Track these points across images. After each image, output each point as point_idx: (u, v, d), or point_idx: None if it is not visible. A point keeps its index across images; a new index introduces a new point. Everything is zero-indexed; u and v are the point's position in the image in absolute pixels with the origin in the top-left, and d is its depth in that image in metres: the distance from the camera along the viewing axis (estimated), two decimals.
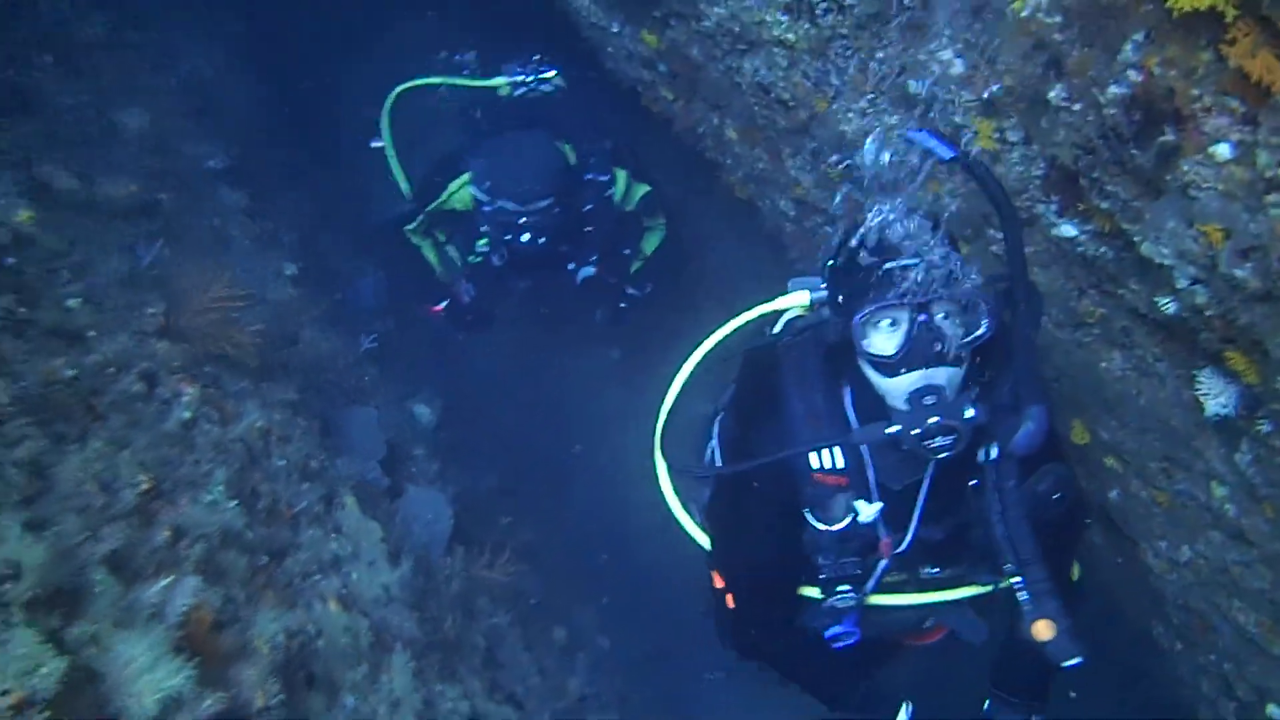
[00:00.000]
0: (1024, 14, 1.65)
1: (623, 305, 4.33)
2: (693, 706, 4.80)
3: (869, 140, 1.76)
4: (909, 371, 1.72)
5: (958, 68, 2.11)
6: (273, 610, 2.11)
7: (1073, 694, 2.34)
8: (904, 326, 1.71)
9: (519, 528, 4.38)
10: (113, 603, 1.54)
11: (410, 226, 4.18)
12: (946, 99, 2.21)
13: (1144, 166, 1.63)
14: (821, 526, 1.97)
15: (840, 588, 2.02)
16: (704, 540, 2.22)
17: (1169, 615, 2.78)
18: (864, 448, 1.91)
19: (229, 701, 1.65)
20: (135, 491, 1.83)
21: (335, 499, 2.90)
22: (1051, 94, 1.75)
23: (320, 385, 3.64)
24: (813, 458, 1.92)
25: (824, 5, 2.33)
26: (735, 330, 2.13)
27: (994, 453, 1.84)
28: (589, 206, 3.96)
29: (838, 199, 2.93)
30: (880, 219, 1.73)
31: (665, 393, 2.16)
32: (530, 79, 3.83)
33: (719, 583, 2.12)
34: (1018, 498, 1.81)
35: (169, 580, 1.66)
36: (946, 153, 1.68)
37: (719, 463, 2.32)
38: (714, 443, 2.40)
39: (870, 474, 1.93)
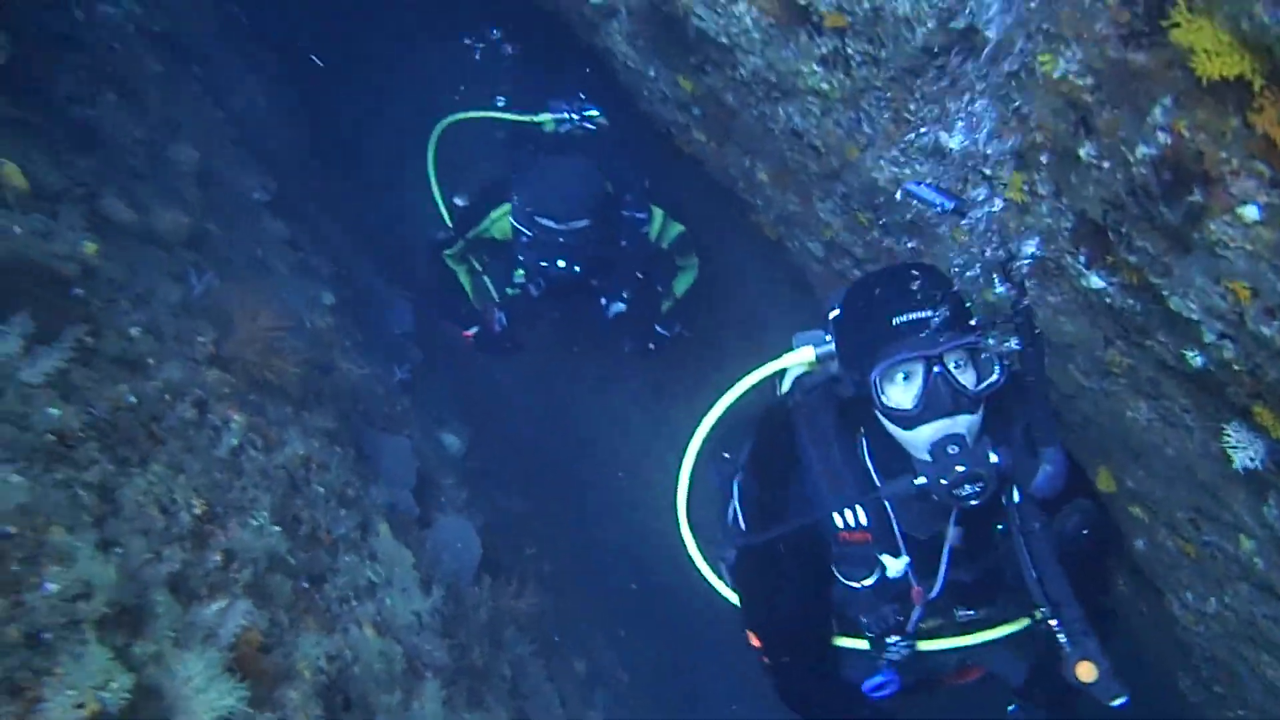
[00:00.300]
0: (1055, 75, 1.72)
1: (651, 346, 4.41)
2: None
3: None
4: (930, 422, 1.76)
5: (990, 121, 2.18)
6: (314, 634, 2.16)
7: None
8: (919, 379, 1.75)
9: (543, 558, 4.43)
10: (172, 623, 1.61)
11: (450, 251, 4.30)
12: (977, 150, 2.28)
13: (1172, 224, 1.68)
14: (852, 584, 2.00)
15: (890, 639, 2.04)
16: (733, 597, 2.26)
17: (1196, 667, 2.77)
18: (887, 501, 1.95)
19: None
20: (191, 515, 1.91)
21: (370, 526, 2.97)
22: (1081, 151, 1.81)
23: (355, 414, 3.73)
24: (836, 517, 1.95)
25: (859, 58, 2.42)
26: (746, 392, 2.17)
27: (1016, 496, 1.88)
28: (624, 242, 4.06)
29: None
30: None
31: (684, 448, 2.21)
32: (575, 116, 3.95)
33: (755, 642, 2.14)
34: (1044, 538, 1.84)
35: (224, 603, 1.73)
36: (946, 204, 1.75)
37: (741, 523, 2.33)
38: (735, 503, 2.41)
39: (895, 526, 1.97)
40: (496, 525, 4.02)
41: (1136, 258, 1.91)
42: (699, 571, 2.31)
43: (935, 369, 1.73)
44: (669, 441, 5.05)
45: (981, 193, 2.42)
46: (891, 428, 1.83)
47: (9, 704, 1.21)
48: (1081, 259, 2.15)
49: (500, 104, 4.34)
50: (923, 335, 1.71)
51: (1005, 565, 1.93)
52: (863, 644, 2.10)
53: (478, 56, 5.08)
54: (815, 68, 2.56)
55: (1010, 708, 2.16)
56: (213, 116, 4.03)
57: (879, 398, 1.78)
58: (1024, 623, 2.08)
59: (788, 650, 2.09)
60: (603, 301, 4.29)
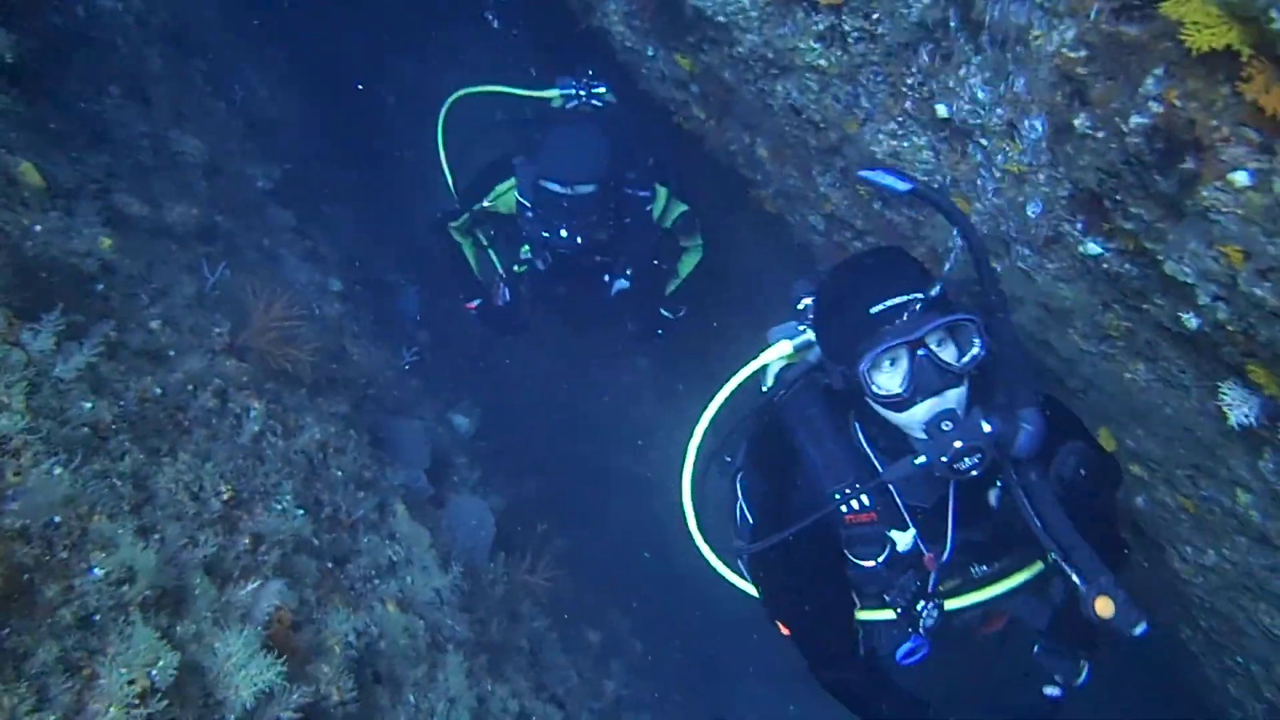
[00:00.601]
0: (1050, 49, 1.76)
1: (660, 332, 4.43)
2: (727, 707, 4.90)
3: None
4: (920, 402, 1.81)
5: (985, 94, 2.22)
6: (341, 612, 2.24)
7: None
8: (904, 362, 1.79)
9: (555, 534, 4.51)
10: (210, 603, 1.68)
11: (455, 224, 4.32)
12: (975, 122, 2.31)
13: (1166, 191, 1.72)
14: (865, 564, 2.05)
15: (920, 605, 2.09)
16: (749, 589, 2.29)
17: (1196, 619, 2.85)
18: (883, 471, 1.99)
19: (314, 696, 1.78)
20: (220, 500, 1.97)
21: (388, 507, 3.05)
22: (1077, 122, 1.85)
23: (367, 398, 3.79)
24: (842, 505, 1.98)
25: (856, 34, 2.44)
26: (733, 392, 2.17)
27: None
28: (627, 220, 4.08)
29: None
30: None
31: (685, 446, 2.22)
32: (583, 93, 3.95)
33: (786, 631, 2.17)
34: (1043, 487, 1.88)
35: (257, 584, 1.80)
36: (903, 186, 1.78)
37: (750, 519, 2.36)
38: (741, 502, 2.45)
39: (899, 502, 2.02)
40: (509, 503, 4.10)
41: (1132, 224, 1.95)
42: (716, 570, 2.34)
43: (919, 352, 1.77)
44: (676, 416, 5.11)
45: (980, 164, 2.46)
46: (885, 412, 1.87)
47: (68, 681, 1.28)
48: (1079, 227, 2.19)
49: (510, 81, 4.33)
50: (902, 320, 1.75)
51: (1011, 518, 1.98)
52: (886, 614, 2.14)
53: (495, 24, 5.07)
54: (813, 44, 2.59)
55: (1035, 647, 2.22)
56: (217, 108, 4.06)
57: (869, 387, 1.82)
58: (1038, 566, 2.14)
59: (819, 641, 2.13)
60: (606, 279, 4.31)
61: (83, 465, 1.58)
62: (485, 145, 4.46)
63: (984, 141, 2.32)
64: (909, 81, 2.45)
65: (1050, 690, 2.21)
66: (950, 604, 2.16)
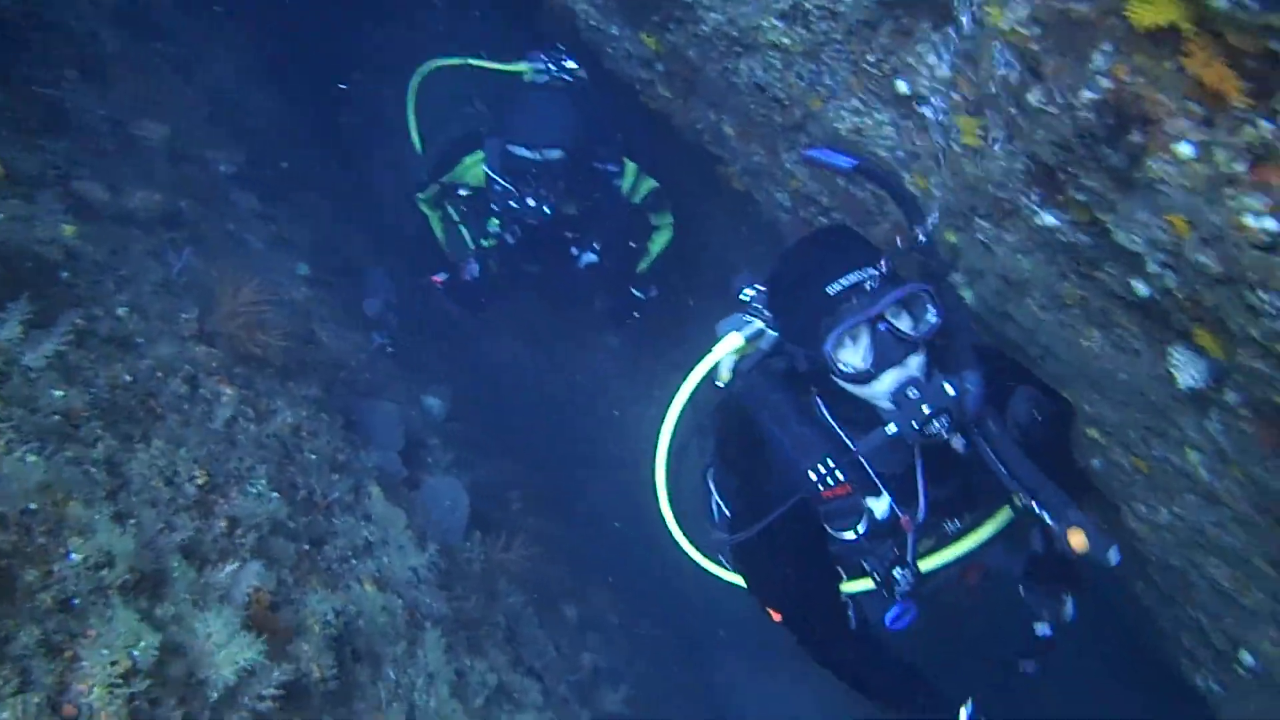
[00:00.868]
0: (1004, 26, 1.80)
1: (635, 315, 4.44)
2: (703, 675, 5.00)
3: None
4: (884, 373, 1.87)
5: (944, 70, 2.26)
6: (319, 592, 2.27)
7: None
8: (865, 337, 1.84)
9: (530, 512, 4.56)
10: (189, 585, 1.70)
11: (423, 196, 4.29)
12: (934, 98, 2.36)
13: (1115, 164, 1.78)
14: (845, 535, 2.09)
15: (896, 572, 2.14)
16: (734, 578, 2.32)
17: (1150, 574, 2.96)
18: (852, 442, 2.04)
19: (295, 674, 1.81)
20: (195, 485, 1.98)
21: (362, 488, 3.06)
22: (1030, 97, 1.90)
23: (339, 381, 3.79)
24: (814, 480, 2.01)
25: (818, 11, 2.48)
26: (694, 392, 2.19)
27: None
28: (596, 195, 4.09)
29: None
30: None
31: (659, 424, 2.23)
32: (553, 66, 3.93)
33: (777, 617, 2.19)
34: (1003, 434, 1.94)
35: (235, 565, 1.82)
36: (848, 163, 1.83)
37: (726, 512, 2.38)
38: (715, 498, 2.46)
39: (870, 470, 2.07)
40: (483, 483, 4.13)
41: (1085, 196, 2.01)
42: (702, 567, 2.36)
43: (880, 326, 1.81)
44: (648, 393, 5.16)
45: (939, 140, 2.51)
46: (850, 387, 1.91)
47: (51, 663, 1.30)
48: (1035, 199, 2.25)
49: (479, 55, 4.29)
50: (859, 298, 1.79)
51: (978, 470, 2.03)
52: (869, 584, 2.19)
53: (438, 4, 5.03)
54: (775, 22, 2.61)
55: (1020, 589, 2.29)
56: (178, 91, 3.99)
57: (835, 365, 1.85)
58: (1007, 512, 2.21)
59: (810, 622, 2.17)
60: (574, 252, 4.30)
61: (56, 452, 1.58)
62: (455, 119, 4.43)
63: (943, 118, 2.37)
64: (870, 59, 2.49)
65: (1040, 628, 2.30)
66: (930, 562, 2.22)
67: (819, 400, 2.06)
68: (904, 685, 2.19)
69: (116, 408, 1.91)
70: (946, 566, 2.25)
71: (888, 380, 1.87)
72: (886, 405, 1.90)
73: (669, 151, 4.31)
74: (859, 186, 3.09)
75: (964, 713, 2.08)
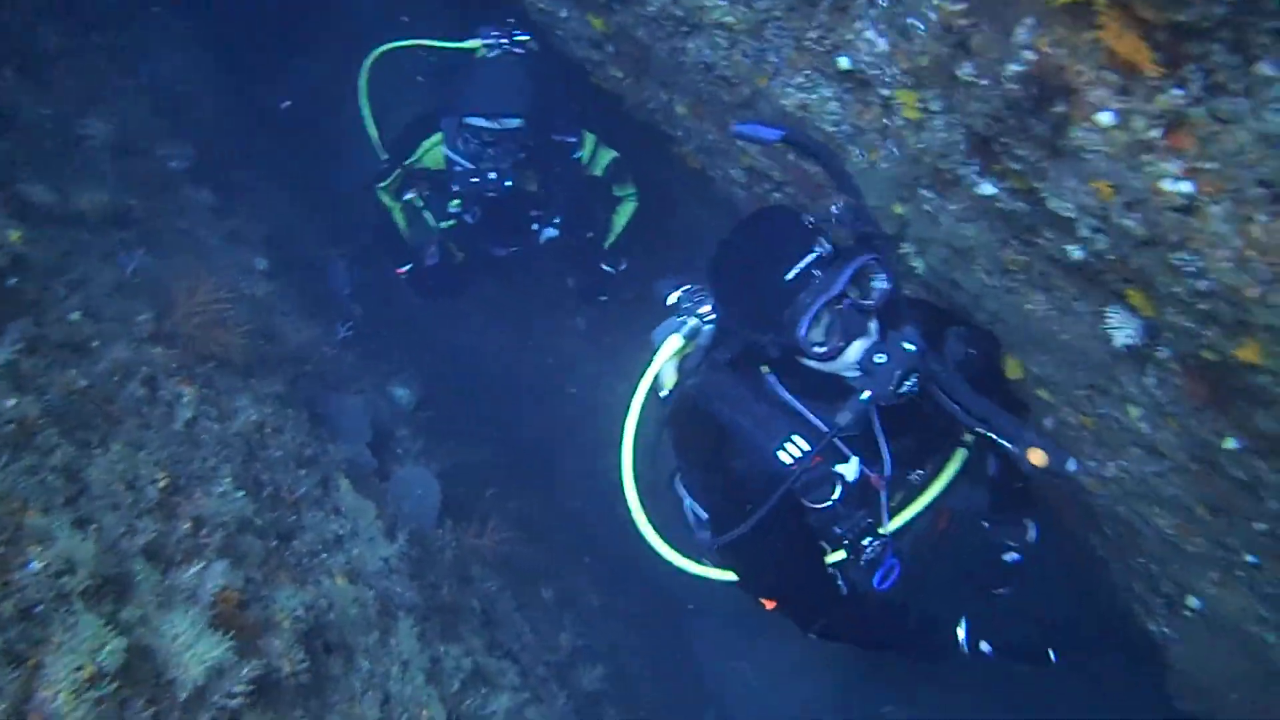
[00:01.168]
0: (932, 2, 1.84)
1: (603, 298, 4.44)
2: (681, 652, 5.09)
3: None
4: (850, 344, 1.91)
5: (881, 45, 2.30)
6: (289, 587, 2.29)
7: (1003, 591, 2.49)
8: (826, 317, 1.88)
9: (504, 497, 4.59)
10: (153, 588, 1.72)
11: (382, 185, 4.25)
12: (874, 73, 2.40)
13: (1043, 134, 1.84)
14: (820, 505, 2.10)
15: (864, 541, 2.18)
16: (725, 575, 2.29)
17: (1102, 526, 3.07)
18: (815, 417, 2.08)
19: (265, 669, 1.84)
20: (156, 488, 2.00)
21: (330, 482, 3.08)
22: (961, 71, 1.95)
23: (303, 375, 3.78)
24: (783, 456, 2.02)
25: None
26: (645, 402, 2.18)
27: None
28: (556, 168, 4.07)
29: None
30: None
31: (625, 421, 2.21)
32: (505, 40, 3.90)
33: (769, 604, 2.19)
34: (950, 376, 2.00)
35: (201, 565, 1.84)
36: (773, 135, 1.87)
37: (704, 513, 2.34)
38: (689, 502, 2.43)
39: (835, 437, 2.11)
40: (455, 470, 4.15)
41: (1019, 165, 2.07)
42: (693, 573, 2.33)
43: (840, 305, 1.85)
44: (613, 367, 5.19)
45: (882, 113, 2.55)
46: (817, 364, 1.94)
47: (15, 671, 1.32)
48: (975, 169, 2.30)
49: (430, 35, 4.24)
50: (818, 279, 1.82)
51: (931, 416, 2.07)
52: (840, 555, 2.22)
53: None
54: (718, 1, 2.63)
55: (985, 525, 2.38)
56: (122, 86, 3.92)
57: (810, 348, 1.87)
58: (962, 453, 2.28)
59: (805, 603, 2.18)
60: (535, 227, 4.28)
61: (11, 462, 1.59)
62: (410, 103, 4.40)
63: (884, 91, 2.41)
64: (811, 35, 2.52)
65: (1009, 556, 2.39)
66: (904, 515, 2.27)
67: (771, 378, 2.09)
68: (902, 627, 2.24)
69: (73, 413, 1.92)
70: (919, 516, 2.30)
71: (854, 350, 1.92)
72: (855, 374, 1.94)
73: (624, 133, 4.32)
74: (809, 160, 3.13)
75: (960, 631, 2.13)
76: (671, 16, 2.84)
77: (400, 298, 5.02)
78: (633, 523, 2.20)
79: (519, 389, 5.75)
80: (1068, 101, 1.74)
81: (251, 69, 5.21)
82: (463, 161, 3.93)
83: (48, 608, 1.45)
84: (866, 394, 1.91)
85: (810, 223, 1.92)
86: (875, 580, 2.29)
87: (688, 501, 2.45)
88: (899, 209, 2.77)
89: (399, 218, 4.40)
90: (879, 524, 2.23)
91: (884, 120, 2.52)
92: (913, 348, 1.90)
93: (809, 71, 2.66)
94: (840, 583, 2.25)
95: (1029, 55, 1.74)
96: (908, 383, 1.91)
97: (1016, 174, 2.12)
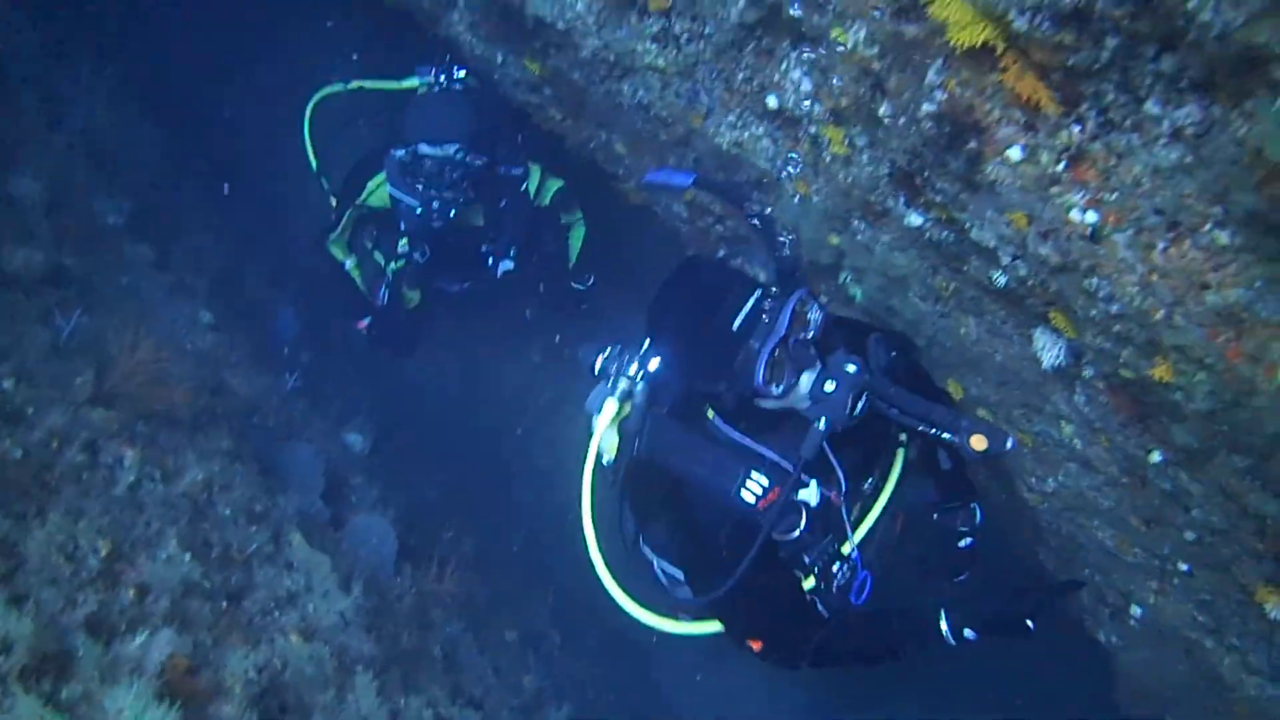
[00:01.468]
0: (847, 47, 1.92)
1: (584, 306, 4.47)
2: (647, 684, 5.07)
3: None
4: (799, 378, 1.95)
5: (806, 85, 2.39)
6: (240, 649, 2.25)
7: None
8: (776, 356, 1.90)
9: (462, 538, 4.55)
10: (96, 662, 1.68)
11: (334, 235, 4.23)
12: (801, 112, 2.48)
13: (959, 169, 1.92)
14: (790, 536, 2.08)
15: (834, 567, 2.18)
16: (710, 628, 2.24)
17: (1047, 540, 3.16)
18: (770, 451, 2.11)
19: None
20: (98, 557, 1.96)
21: (282, 537, 3.03)
22: (880, 110, 2.03)
23: (252, 428, 3.73)
24: (746, 496, 2.00)
25: (686, 35, 2.57)
26: (594, 479, 2.13)
27: None
28: (503, 201, 4.10)
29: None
30: None
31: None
32: (443, 77, 3.93)
33: (755, 645, 2.15)
34: (880, 379, 2.02)
35: (145, 635, 1.80)
36: (684, 182, 1.92)
37: (677, 572, 2.30)
38: (659, 564, 2.38)
39: (790, 466, 2.14)
40: (411, 514, 4.11)
41: (940, 197, 2.15)
42: (676, 634, 2.24)
43: (788, 341, 1.89)
44: (569, 398, 5.19)
45: (811, 149, 2.63)
46: (771, 403, 1.97)
47: None
48: (902, 201, 2.39)
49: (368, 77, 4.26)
50: (763, 322, 1.86)
51: (867, 420, 2.07)
52: (811, 582, 2.20)
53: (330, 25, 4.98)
54: (649, 45, 2.70)
55: (934, 517, 2.46)
56: (51, 141, 3.86)
57: (770, 390, 1.90)
58: (901, 453, 2.33)
59: (790, 640, 2.15)
60: (490, 262, 4.30)
61: None
62: (353, 146, 4.40)
63: (812, 129, 2.49)
64: (740, 76, 2.60)
65: (963, 542, 2.45)
66: (865, 525, 2.28)
67: (719, 421, 2.11)
68: (887, 634, 2.22)
69: (7, 485, 1.88)
70: (879, 522, 2.33)
71: (804, 383, 1.96)
72: (806, 404, 1.97)
73: (569, 167, 4.37)
74: (746, 194, 3.21)
75: (943, 623, 2.12)
76: (605, 61, 2.91)
77: (351, 342, 4.99)
78: (612, 599, 2.11)
79: (473, 427, 5.72)
80: (979, 138, 1.83)
81: (186, 116, 5.17)
82: (406, 198, 3.95)
83: None
84: (823, 422, 1.93)
85: (737, 267, 1.97)
86: (851, 597, 2.30)
87: (657, 563, 2.39)
88: (834, 240, 2.86)
89: (354, 272, 4.38)
90: (844, 541, 2.25)
91: (814, 155, 2.60)
92: (854, 369, 1.95)
93: (740, 111, 2.74)
94: (820, 608, 2.24)
95: (940, 96, 1.82)
96: (860, 403, 1.96)
97: (940, 205, 2.21)
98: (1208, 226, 1.51)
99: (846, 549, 2.29)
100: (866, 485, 2.33)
